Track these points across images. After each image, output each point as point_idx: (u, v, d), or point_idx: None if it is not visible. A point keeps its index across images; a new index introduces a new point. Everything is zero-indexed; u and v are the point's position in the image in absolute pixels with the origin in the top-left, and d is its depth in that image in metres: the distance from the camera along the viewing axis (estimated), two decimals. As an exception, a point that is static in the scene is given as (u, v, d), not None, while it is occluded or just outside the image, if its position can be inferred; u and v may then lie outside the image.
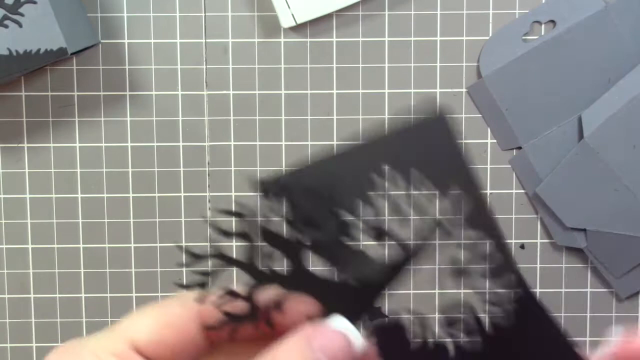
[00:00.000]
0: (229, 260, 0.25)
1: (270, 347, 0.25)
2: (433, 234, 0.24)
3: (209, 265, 0.25)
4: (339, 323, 0.24)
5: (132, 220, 0.51)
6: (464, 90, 0.50)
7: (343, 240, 0.24)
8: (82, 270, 0.51)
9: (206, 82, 0.50)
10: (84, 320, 0.51)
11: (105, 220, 0.51)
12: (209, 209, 0.51)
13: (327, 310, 0.24)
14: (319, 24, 0.50)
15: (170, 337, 0.27)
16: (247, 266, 0.25)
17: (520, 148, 0.50)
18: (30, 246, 0.51)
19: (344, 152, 0.24)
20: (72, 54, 0.45)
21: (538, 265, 0.51)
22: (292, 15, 0.48)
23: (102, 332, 0.27)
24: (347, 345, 0.24)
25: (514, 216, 0.51)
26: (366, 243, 0.25)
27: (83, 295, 0.51)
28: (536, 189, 0.50)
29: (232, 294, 0.25)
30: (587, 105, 0.49)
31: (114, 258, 0.51)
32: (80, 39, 0.46)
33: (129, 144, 0.51)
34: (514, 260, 0.26)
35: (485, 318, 0.25)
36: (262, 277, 0.24)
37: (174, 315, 0.27)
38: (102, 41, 0.50)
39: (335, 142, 0.51)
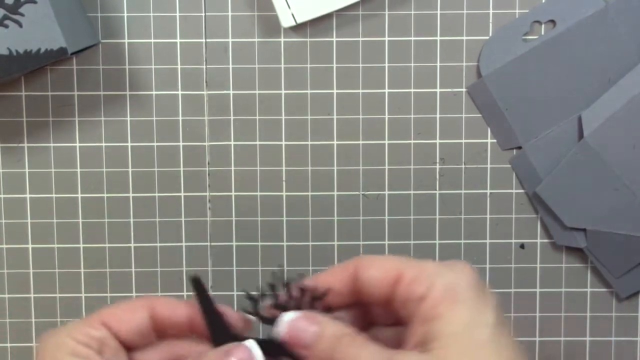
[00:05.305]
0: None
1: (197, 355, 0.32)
2: None
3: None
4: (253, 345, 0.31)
5: (132, 220, 0.51)
6: (464, 90, 0.50)
7: None
8: (82, 270, 0.51)
9: (206, 82, 0.50)
10: (84, 320, 0.51)
11: (105, 220, 0.51)
12: (209, 208, 0.51)
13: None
14: (319, 23, 0.50)
15: (140, 325, 0.32)
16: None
17: (520, 148, 0.50)
18: (30, 246, 0.51)
19: None
20: (72, 53, 0.45)
21: (538, 265, 0.51)
22: (292, 14, 0.48)
23: (81, 319, 0.32)
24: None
25: (514, 216, 0.51)
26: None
27: (83, 295, 0.51)
28: (536, 189, 0.50)
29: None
30: (587, 105, 0.49)
31: (114, 258, 0.51)
32: (80, 38, 0.46)
33: (129, 144, 0.51)
34: None
35: None
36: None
37: (143, 307, 0.33)
38: (102, 41, 0.50)
39: (335, 142, 0.51)
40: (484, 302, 0.29)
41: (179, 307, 0.33)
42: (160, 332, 0.33)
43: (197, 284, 0.33)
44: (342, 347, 0.30)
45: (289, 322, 0.31)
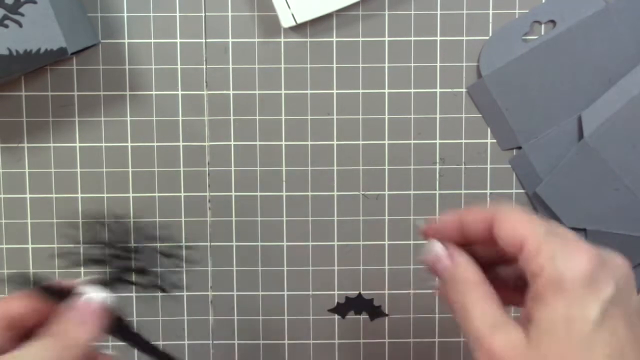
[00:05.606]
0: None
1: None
2: None
3: None
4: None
5: (132, 220, 0.51)
6: (464, 90, 0.50)
7: None
8: (82, 270, 0.51)
9: (206, 82, 0.50)
10: (84, 320, 0.51)
11: (105, 220, 0.51)
12: (209, 208, 0.51)
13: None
14: (319, 23, 0.50)
15: None
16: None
17: (520, 148, 0.50)
18: (30, 246, 0.51)
19: None
20: (72, 53, 0.45)
21: (538, 265, 0.51)
22: (292, 15, 0.48)
23: None
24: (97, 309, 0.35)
25: (514, 216, 0.51)
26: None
27: (83, 295, 0.51)
28: (536, 189, 0.50)
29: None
30: (587, 105, 0.49)
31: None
32: (80, 38, 0.46)
33: (129, 144, 0.51)
34: None
35: None
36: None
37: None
38: (102, 41, 0.50)
39: (335, 142, 0.51)
40: (592, 295, 0.29)
41: (22, 300, 0.34)
42: (20, 327, 0.34)
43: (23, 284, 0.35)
44: (458, 290, 0.32)
45: (433, 251, 0.34)
